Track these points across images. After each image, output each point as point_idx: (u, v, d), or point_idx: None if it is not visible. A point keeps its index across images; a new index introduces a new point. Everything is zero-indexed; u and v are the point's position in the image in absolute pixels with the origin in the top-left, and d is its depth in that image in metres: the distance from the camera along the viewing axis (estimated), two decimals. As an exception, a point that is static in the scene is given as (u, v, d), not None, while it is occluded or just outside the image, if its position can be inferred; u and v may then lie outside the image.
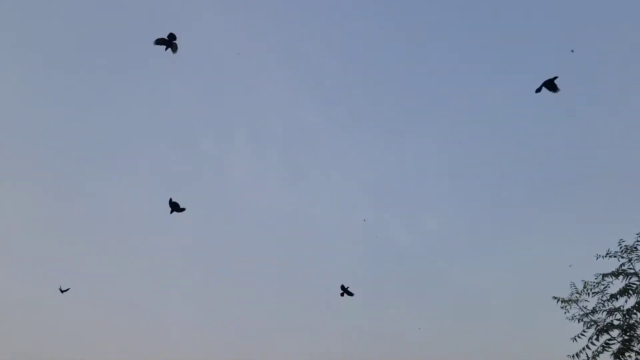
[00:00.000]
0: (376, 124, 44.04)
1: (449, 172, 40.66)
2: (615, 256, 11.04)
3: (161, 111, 41.85)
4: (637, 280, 10.59)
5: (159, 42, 13.61)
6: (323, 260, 34.21)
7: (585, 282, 11.19)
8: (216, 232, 37.20)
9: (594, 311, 10.98)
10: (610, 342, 10.50)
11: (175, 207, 15.61)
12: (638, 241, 10.76)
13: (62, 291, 19.83)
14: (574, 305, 11.20)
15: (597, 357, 10.50)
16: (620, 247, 10.99)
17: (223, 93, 43.50)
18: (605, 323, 10.75)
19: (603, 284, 11.01)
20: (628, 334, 10.41)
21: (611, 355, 10.42)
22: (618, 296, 10.72)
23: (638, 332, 10.40)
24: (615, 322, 10.63)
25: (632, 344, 10.33)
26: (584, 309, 11.11)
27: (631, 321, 10.42)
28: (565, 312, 11.21)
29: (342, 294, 18.62)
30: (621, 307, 10.67)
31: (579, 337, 10.85)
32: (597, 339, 10.64)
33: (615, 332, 10.58)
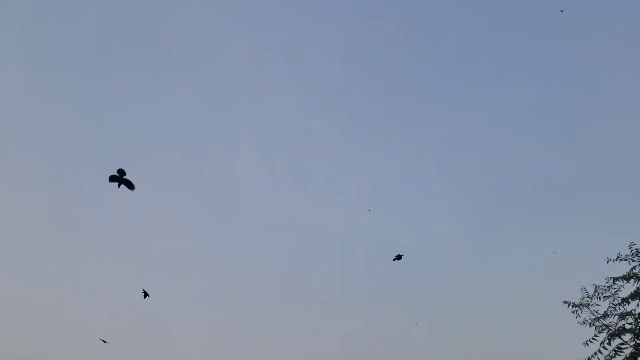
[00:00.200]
0: (381, 128, 44.07)
1: (455, 175, 40.69)
2: (626, 260, 10.97)
3: (166, 115, 41.81)
4: (648, 284, 10.52)
5: (112, 179, 13.21)
6: (329, 263, 34.16)
7: (596, 286, 11.12)
8: (223, 235, 37.13)
9: (605, 315, 10.91)
10: (623, 346, 10.43)
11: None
12: (649, 244, 10.70)
13: (145, 295, 18.53)
14: (584, 309, 11.12)
15: (609, 362, 10.43)
16: (631, 251, 10.92)
17: (229, 99, 43.52)
18: (617, 327, 10.68)
19: (614, 288, 10.94)
20: (640, 337, 10.35)
21: (624, 359, 10.35)
22: (629, 300, 10.65)
23: (650, 336, 10.34)
24: (627, 326, 10.56)
25: (645, 348, 10.27)
26: (595, 313, 11.03)
27: (643, 325, 10.36)
28: (576, 317, 11.14)
29: (396, 258, 19.12)
30: (633, 311, 10.61)
31: (591, 341, 10.77)
32: (609, 344, 10.57)
33: (627, 336, 10.52)
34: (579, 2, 41.38)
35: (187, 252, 35.41)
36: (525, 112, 43.01)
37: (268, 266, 34.34)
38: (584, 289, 11.21)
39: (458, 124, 43.08)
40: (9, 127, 38.00)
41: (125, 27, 42.52)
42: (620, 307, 10.77)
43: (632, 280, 10.77)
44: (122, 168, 13.86)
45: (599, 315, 10.97)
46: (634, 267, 10.81)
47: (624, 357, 10.39)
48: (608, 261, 11.19)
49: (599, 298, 11.04)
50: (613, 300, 10.89)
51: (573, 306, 11.19)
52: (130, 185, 13.31)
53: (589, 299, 11.12)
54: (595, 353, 10.61)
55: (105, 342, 18.58)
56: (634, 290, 10.63)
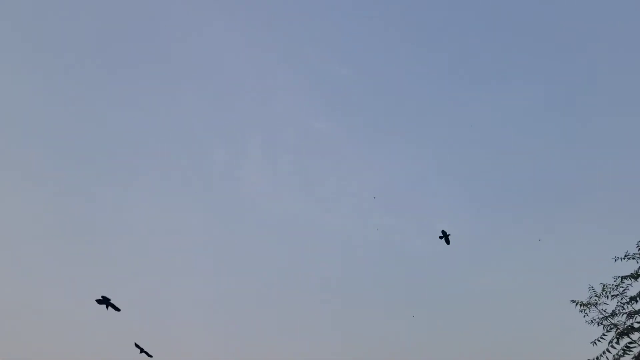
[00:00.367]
0: (384, 129, 44.05)
1: (457, 176, 40.65)
2: (633, 258, 10.89)
3: (169, 117, 41.77)
4: (657, 283, 10.46)
5: (99, 302, 15.27)
6: (332, 264, 34.08)
7: (604, 285, 11.03)
8: (227, 236, 37.03)
9: (613, 314, 10.82)
10: (631, 345, 10.34)
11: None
12: (657, 243, 10.62)
13: (141, 351, 17.70)
14: (592, 308, 11.03)
15: (618, 361, 10.34)
16: (639, 249, 10.84)
17: (232, 100, 43.50)
18: (625, 326, 10.60)
19: (622, 287, 10.85)
20: (649, 336, 10.27)
21: (633, 358, 10.27)
22: (638, 298, 10.57)
23: (659, 335, 10.25)
24: (636, 325, 10.48)
25: (654, 347, 10.19)
26: (603, 312, 10.95)
27: (652, 324, 10.29)
28: (584, 316, 11.05)
29: (443, 237, 19.06)
30: (641, 310, 10.53)
31: (599, 340, 10.68)
32: (617, 342, 10.49)
33: (636, 335, 10.44)
34: (579, 2, 41.41)
35: (191, 253, 35.37)
36: (525, 112, 43.01)
37: (271, 266, 34.26)
38: (591, 287, 11.11)
39: (459, 124, 43.06)
40: (10, 127, 37.90)
41: (128, 30, 42.50)
42: (629, 305, 10.68)
43: (640, 279, 10.70)
44: (105, 295, 16.28)
45: (607, 314, 10.87)
46: (641, 266, 10.72)
47: (632, 356, 10.30)
48: (616, 260, 11.11)
49: (607, 297, 10.95)
50: (621, 298, 10.80)
51: (581, 305, 11.09)
52: (116, 308, 15.36)
53: (596, 298, 11.02)
54: (604, 352, 10.53)
55: (143, 350, 17.96)
56: (642, 289, 10.55)
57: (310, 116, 44.40)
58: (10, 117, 38.57)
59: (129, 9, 42.56)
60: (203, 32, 43.10)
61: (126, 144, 41.04)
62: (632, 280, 10.78)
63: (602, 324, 10.85)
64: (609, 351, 10.48)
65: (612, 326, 10.72)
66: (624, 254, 11.01)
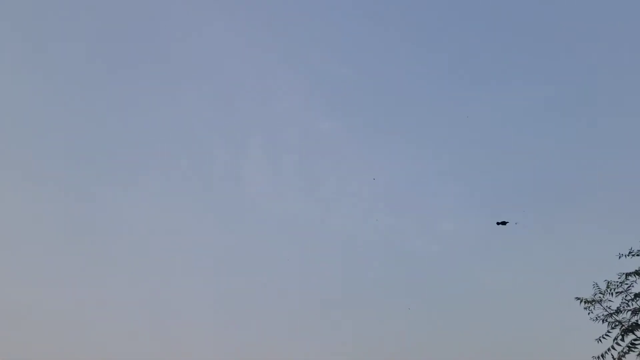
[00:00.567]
0: (386, 129, 43.98)
1: (460, 175, 40.61)
2: (638, 255, 10.86)
3: (171, 118, 41.75)
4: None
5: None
6: (335, 264, 34.05)
7: (608, 282, 10.99)
8: (229, 237, 36.97)
9: (618, 311, 10.78)
10: (636, 342, 10.29)
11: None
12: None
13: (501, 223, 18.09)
14: (597, 305, 10.99)
15: (623, 358, 10.30)
16: (644, 246, 10.81)
17: (234, 101, 43.46)
18: (630, 323, 10.56)
19: (626, 284, 10.82)
20: (654, 333, 10.23)
21: (638, 355, 10.22)
22: (643, 295, 10.55)
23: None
24: (641, 322, 10.44)
25: (659, 343, 10.14)
26: (607, 309, 10.91)
27: (657, 320, 10.25)
28: (588, 313, 11.00)
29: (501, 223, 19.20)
30: (646, 306, 10.49)
31: (604, 337, 10.64)
32: (622, 339, 10.44)
33: (640, 332, 10.40)
34: (579, 2, 41.46)
35: (192, 253, 35.21)
36: (526, 112, 42.99)
37: (274, 268, 34.18)
38: (596, 285, 11.08)
39: (460, 124, 43.00)
40: (10, 127, 37.87)
41: (128, 30, 42.50)
42: (634, 302, 10.65)
43: (644, 276, 10.66)
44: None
45: (611, 311, 10.83)
46: (646, 262, 10.69)
47: (638, 353, 10.25)
48: (620, 257, 11.08)
49: (612, 294, 10.91)
50: (626, 295, 10.76)
51: (585, 302, 11.05)
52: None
53: (601, 295, 10.98)
54: (609, 349, 10.48)
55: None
56: (647, 286, 10.52)
57: (310, 116, 44.40)
58: (10, 117, 38.56)
59: (129, 9, 42.56)
60: (203, 32, 43.12)
61: (126, 144, 41.01)
62: (637, 277, 10.75)
63: (606, 321, 10.81)
64: (614, 348, 10.44)
65: (617, 323, 10.68)
66: (629, 251, 10.99)
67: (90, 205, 36.42)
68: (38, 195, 36.32)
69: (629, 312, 10.66)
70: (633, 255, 10.96)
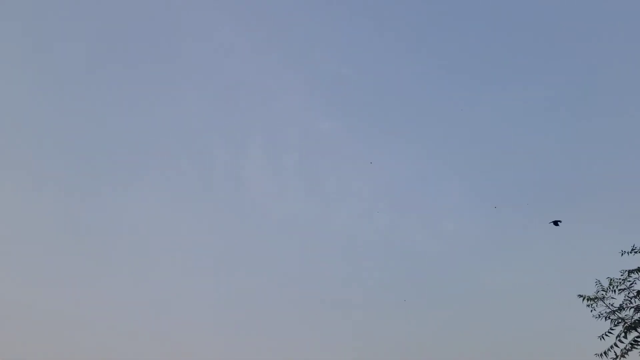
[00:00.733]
0: (388, 129, 44.01)
1: (463, 175, 40.62)
2: (640, 252, 10.80)
3: (173, 118, 41.73)
4: (664, 276, 10.37)
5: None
6: (337, 263, 34.03)
7: (610, 279, 10.94)
8: (231, 236, 36.92)
9: (620, 308, 10.74)
10: (639, 339, 10.25)
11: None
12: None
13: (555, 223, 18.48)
14: (600, 302, 10.94)
15: (626, 355, 10.26)
16: (646, 243, 10.75)
17: (235, 101, 43.47)
18: (632, 320, 10.51)
19: (629, 281, 10.77)
20: (657, 330, 10.18)
21: (641, 353, 10.19)
22: (645, 292, 10.49)
23: (667, 329, 10.16)
24: (644, 319, 10.39)
25: (662, 341, 10.09)
26: (610, 307, 10.86)
27: (660, 318, 10.20)
28: (591, 310, 10.96)
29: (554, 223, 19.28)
30: (649, 304, 10.44)
31: (607, 335, 10.60)
32: (625, 337, 10.40)
33: (643, 329, 10.34)
34: (579, 2, 41.47)
35: (193, 253, 35.21)
36: (526, 111, 43.02)
37: (275, 267, 34.15)
38: (598, 282, 11.03)
39: (462, 124, 43.05)
40: (10, 127, 37.86)
41: (129, 31, 42.51)
42: (636, 299, 10.60)
43: (647, 273, 10.61)
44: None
45: (614, 309, 10.79)
46: (649, 260, 10.64)
47: (640, 350, 10.22)
48: (622, 254, 11.02)
49: (614, 291, 10.86)
50: (628, 293, 10.71)
51: (588, 299, 11.01)
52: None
53: (603, 292, 10.94)
54: (612, 347, 10.44)
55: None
56: (650, 283, 10.47)
57: (310, 116, 44.44)
58: (10, 117, 38.53)
59: (131, 9, 42.60)
60: (204, 32, 43.18)
61: (127, 144, 41.03)
62: (639, 274, 10.69)
63: (609, 318, 10.76)
64: (616, 345, 10.40)
65: (620, 320, 10.63)
66: (631, 248, 10.93)
67: (90, 205, 36.41)
68: (38, 195, 36.29)
69: (632, 310, 10.62)
70: (635, 252, 10.90)
